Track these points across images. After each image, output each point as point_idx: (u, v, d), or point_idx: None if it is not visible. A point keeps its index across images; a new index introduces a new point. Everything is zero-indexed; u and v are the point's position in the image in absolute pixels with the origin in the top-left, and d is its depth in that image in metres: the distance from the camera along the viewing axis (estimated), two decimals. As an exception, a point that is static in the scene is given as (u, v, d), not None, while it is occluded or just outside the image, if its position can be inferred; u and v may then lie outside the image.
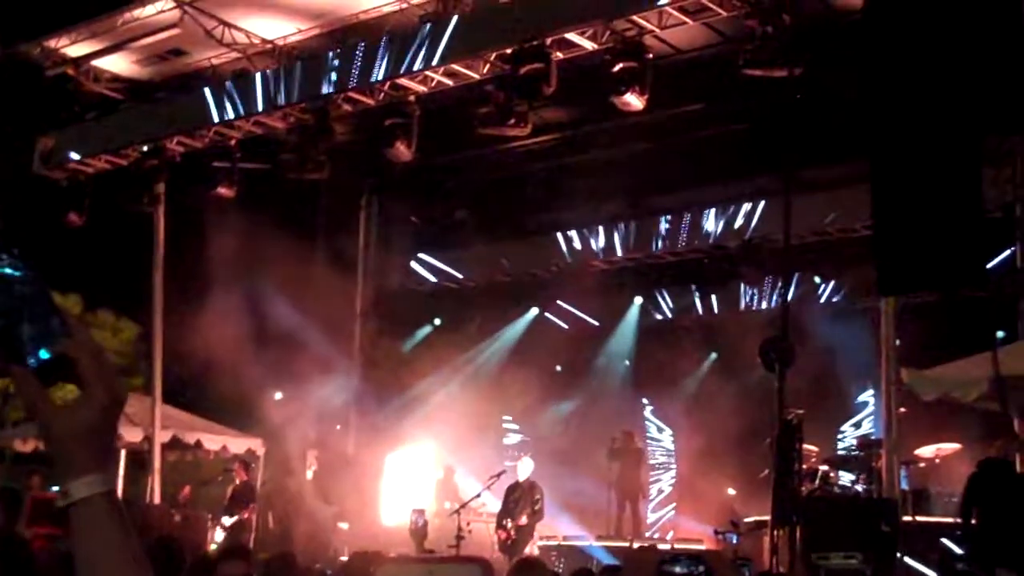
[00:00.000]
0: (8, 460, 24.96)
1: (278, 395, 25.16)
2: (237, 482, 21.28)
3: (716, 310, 23.55)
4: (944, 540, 14.21)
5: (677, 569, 3.65)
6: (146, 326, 24.88)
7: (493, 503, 18.45)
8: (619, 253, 23.56)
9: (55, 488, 2.26)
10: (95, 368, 1.89)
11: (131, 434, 22.59)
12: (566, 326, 25.20)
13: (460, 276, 25.59)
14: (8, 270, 1.85)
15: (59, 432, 1.88)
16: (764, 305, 22.37)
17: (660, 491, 23.67)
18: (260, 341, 23.31)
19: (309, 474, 22.51)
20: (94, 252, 25.18)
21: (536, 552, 18.29)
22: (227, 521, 20.67)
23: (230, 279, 23.38)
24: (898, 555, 13.90)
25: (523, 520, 17.41)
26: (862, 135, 13.29)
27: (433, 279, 25.99)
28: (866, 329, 18.36)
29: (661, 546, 17.75)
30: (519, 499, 17.66)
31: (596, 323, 25.08)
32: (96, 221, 21.93)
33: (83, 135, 21.56)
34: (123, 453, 24.30)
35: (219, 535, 20.73)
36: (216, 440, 23.68)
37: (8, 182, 21.87)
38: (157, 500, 21.79)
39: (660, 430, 24.42)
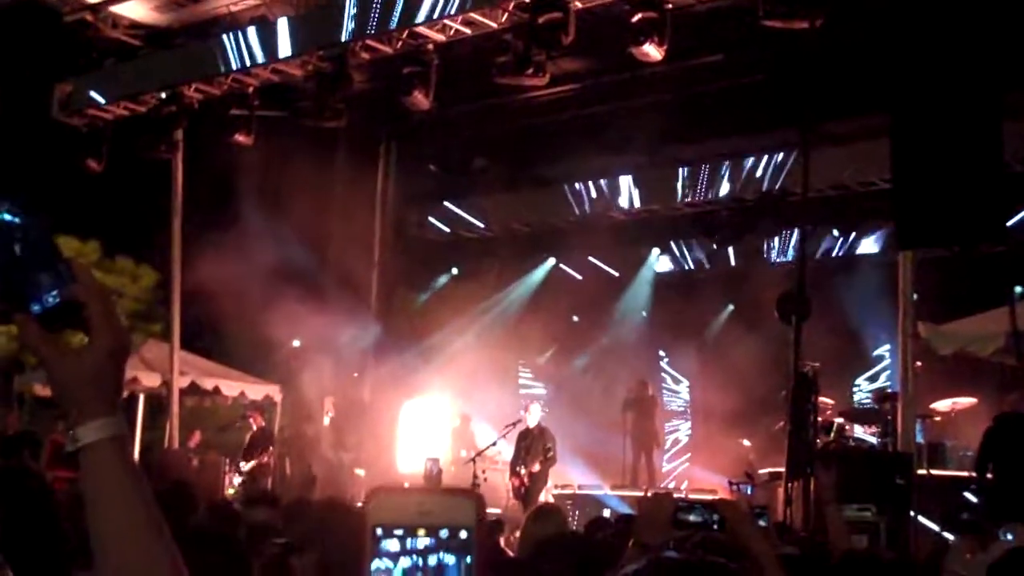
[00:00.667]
0: (29, 404, 25.16)
1: (296, 342, 25.28)
2: (254, 428, 21.45)
3: (733, 262, 23.53)
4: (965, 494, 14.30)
5: (691, 517, 3.66)
6: (164, 272, 24.96)
7: (509, 451, 18.56)
8: (637, 204, 23.55)
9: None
10: (102, 313, 1.90)
11: (149, 379, 22.75)
12: (583, 276, 25.23)
13: (478, 225, 25.61)
14: (7, 216, 1.85)
15: (65, 378, 1.89)
16: (781, 258, 22.35)
17: (676, 442, 23.76)
18: (278, 288, 23.40)
19: (326, 421, 22.67)
20: (113, 199, 25.27)
21: (551, 499, 18.43)
22: (244, 467, 20.86)
23: (248, 226, 23.44)
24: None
25: (536, 467, 17.52)
26: (882, 88, 13.25)
27: (451, 228, 26.02)
28: (883, 283, 18.33)
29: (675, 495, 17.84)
30: (530, 445, 17.77)
31: (613, 274, 25.10)
32: (114, 168, 21.97)
33: (101, 81, 21.55)
34: (141, 398, 24.51)
35: (236, 480, 20.93)
36: (234, 386, 23.83)
37: (27, 128, 21.91)
38: (175, 445, 21.95)
39: (676, 381, 24.48)
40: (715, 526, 3.67)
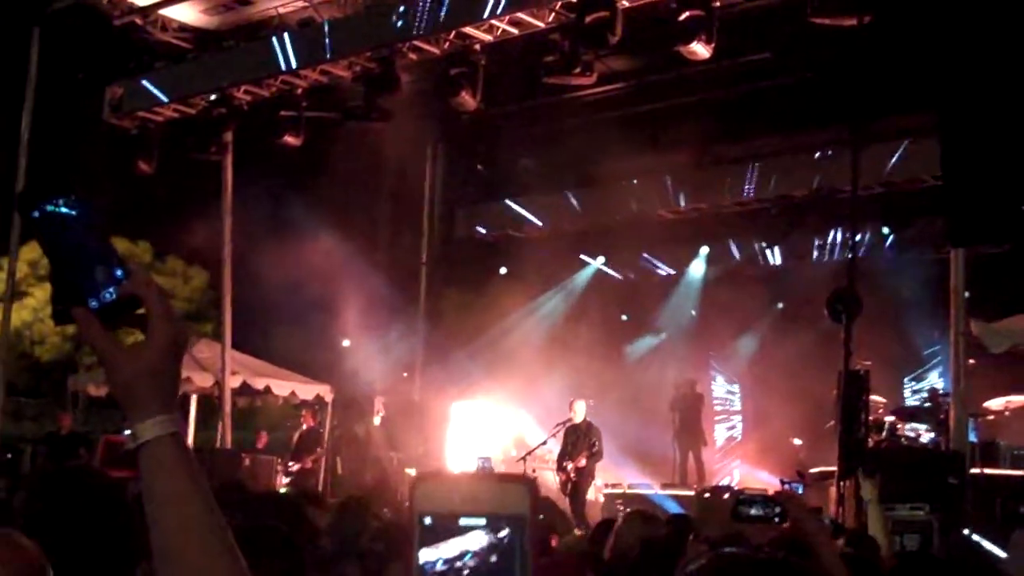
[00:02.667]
0: (83, 404, 25.39)
1: (346, 342, 25.37)
2: (304, 428, 21.53)
3: (782, 261, 23.39)
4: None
5: (752, 511, 3.61)
6: (215, 273, 25.12)
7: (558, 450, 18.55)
8: (684, 203, 23.45)
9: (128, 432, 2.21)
10: (158, 308, 1.88)
11: (201, 379, 22.88)
12: (632, 275, 25.16)
13: (526, 225, 25.58)
14: (64, 209, 1.84)
15: (124, 374, 1.87)
16: (831, 256, 22.19)
17: (727, 441, 23.65)
18: (327, 289, 23.50)
19: (376, 420, 22.73)
20: (164, 200, 25.46)
21: (600, 498, 18.41)
22: (294, 466, 20.96)
23: (297, 227, 23.54)
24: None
25: (582, 461, 17.49)
26: (931, 85, 13.17)
27: (498, 228, 26.01)
28: (935, 280, 18.18)
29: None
30: (577, 441, 17.74)
31: (661, 273, 25.03)
32: (165, 169, 22.12)
33: (151, 84, 21.71)
34: (194, 398, 24.67)
35: (285, 480, 21.04)
36: (284, 386, 23.92)
37: (79, 131, 22.11)
38: (227, 445, 22.07)
39: (725, 380, 24.37)
40: (776, 519, 3.63)
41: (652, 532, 6.72)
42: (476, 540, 1.25)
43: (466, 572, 1.25)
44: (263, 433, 23.67)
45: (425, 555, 1.26)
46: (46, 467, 17.77)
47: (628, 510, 8.51)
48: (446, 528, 1.26)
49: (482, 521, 1.26)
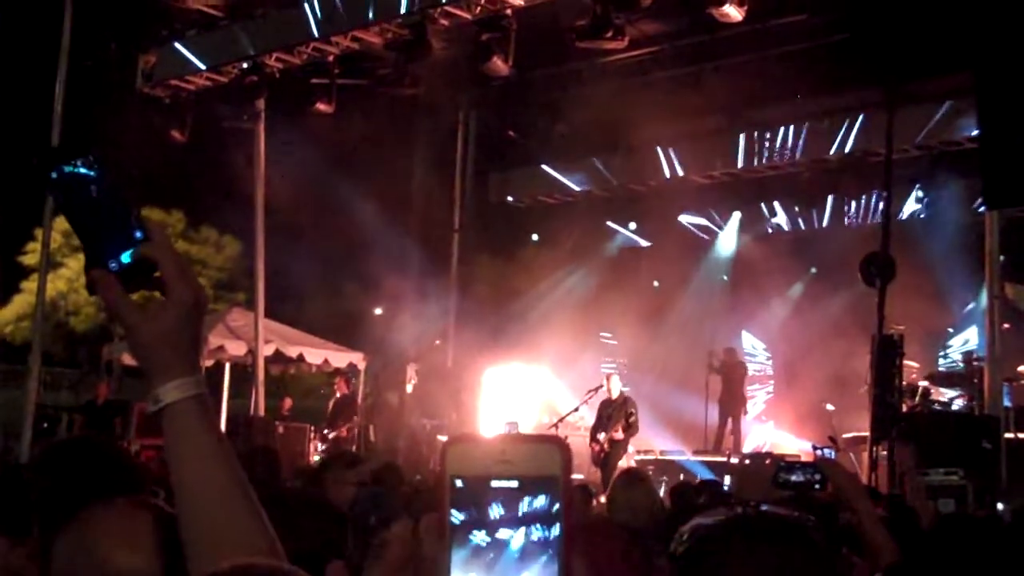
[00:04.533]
0: (117, 373, 25.55)
1: (378, 310, 25.43)
2: (338, 395, 21.62)
3: (816, 224, 23.29)
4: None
5: (793, 477, 3.61)
6: (248, 242, 25.19)
7: (590, 417, 18.56)
8: (718, 168, 23.35)
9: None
10: (176, 270, 1.86)
11: (235, 348, 22.99)
12: (664, 241, 25.09)
13: (557, 191, 25.53)
14: (83, 170, 1.81)
15: (144, 336, 1.85)
16: (864, 220, 22.07)
17: (758, 407, 23.60)
18: (360, 257, 23.54)
19: (409, 388, 22.80)
20: (197, 169, 25.54)
21: (633, 465, 18.43)
22: (331, 434, 21.06)
23: (329, 195, 23.57)
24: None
25: (618, 433, 17.48)
26: (968, 46, 13.03)
27: (531, 194, 25.98)
28: (969, 244, 18.06)
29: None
30: (612, 414, 17.73)
31: (694, 238, 24.95)
32: (198, 138, 22.17)
33: (184, 52, 21.73)
34: (227, 367, 24.80)
35: (320, 447, 21.16)
36: (318, 354, 23.99)
37: (113, 101, 22.16)
38: (261, 413, 22.19)
39: (758, 345, 24.31)
40: (817, 486, 3.63)
41: (635, 496, 6.71)
42: (510, 502, 1.24)
43: (500, 535, 1.24)
44: (287, 399, 23.74)
45: (457, 518, 1.24)
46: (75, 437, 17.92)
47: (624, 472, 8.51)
48: (478, 490, 1.24)
49: (514, 483, 1.24)
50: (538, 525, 1.24)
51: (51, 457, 3.93)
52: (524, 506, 1.24)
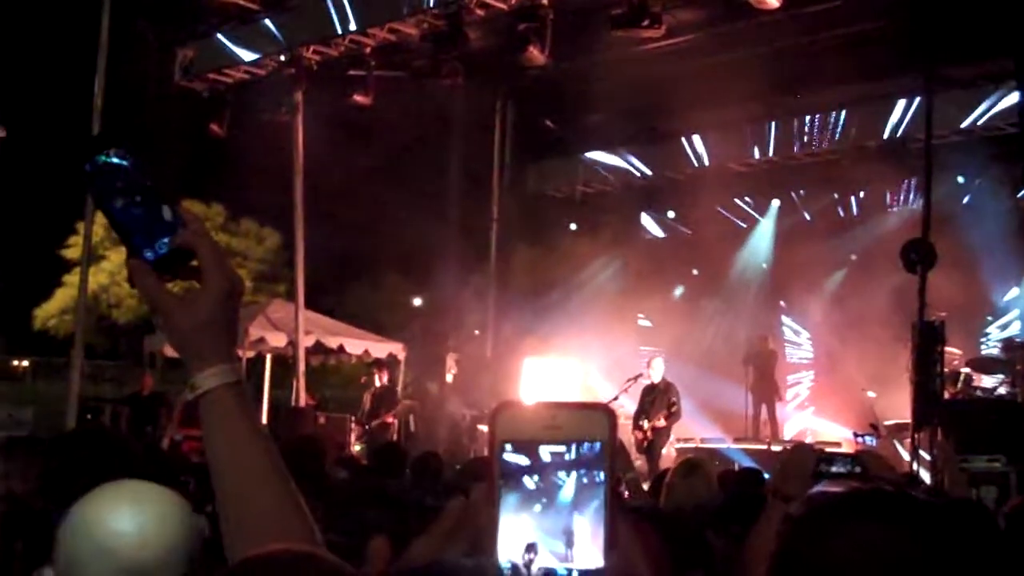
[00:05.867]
0: (159, 365, 25.75)
1: (418, 300, 25.50)
2: (378, 385, 21.71)
3: (856, 211, 23.18)
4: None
5: (834, 468, 3.62)
6: (288, 234, 25.30)
7: (630, 406, 18.55)
8: (756, 155, 23.27)
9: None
10: (212, 258, 1.87)
11: (275, 339, 23.12)
12: (702, 230, 25.04)
13: (595, 181, 25.52)
14: (116, 160, 1.83)
15: (181, 325, 1.87)
16: (904, 206, 21.94)
17: (798, 394, 23.53)
18: (399, 248, 23.62)
19: (449, 378, 22.86)
20: (236, 162, 25.67)
21: (673, 454, 18.40)
22: (370, 424, 21.14)
23: (368, 187, 23.64)
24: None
25: (660, 421, 17.47)
26: (1007, 31, 12.93)
27: (568, 184, 25.97)
28: (1011, 229, 17.93)
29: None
30: (655, 400, 17.72)
31: (733, 226, 24.88)
32: (237, 131, 22.27)
33: (221, 46, 21.84)
34: (268, 358, 24.94)
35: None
36: (358, 344, 24.09)
37: (151, 95, 22.31)
38: (302, 403, 22.28)
39: (798, 333, 24.23)
40: (858, 477, 3.64)
41: (694, 484, 6.72)
42: (557, 466, 1.27)
43: (547, 493, 1.27)
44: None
45: (505, 481, 1.27)
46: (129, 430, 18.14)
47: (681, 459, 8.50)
48: (527, 455, 1.28)
49: (562, 448, 1.27)
50: (585, 483, 1.27)
51: (61, 442, 4.01)
52: (571, 468, 1.28)
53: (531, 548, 1.26)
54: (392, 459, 9.24)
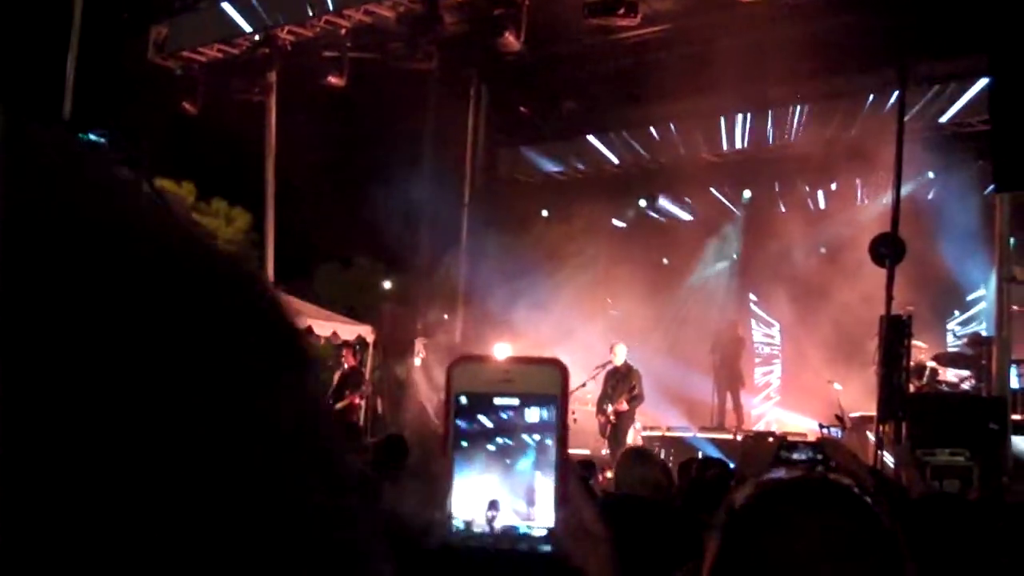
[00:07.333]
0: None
1: (387, 284, 25.45)
2: (345, 367, 21.65)
3: (826, 204, 23.28)
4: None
5: (795, 455, 3.66)
6: (258, 215, 25.21)
7: (597, 392, 18.60)
8: (727, 146, 23.33)
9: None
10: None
11: (243, 320, 22.99)
12: (674, 219, 25.09)
13: (568, 167, 25.53)
14: (93, 136, 1.85)
15: None
16: (874, 200, 22.03)
17: (766, 385, 23.64)
18: (368, 230, 23.54)
19: (417, 362, 22.84)
20: (207, 141, 25.54)
21: (639, 440, 18.47)
22: (336, 406, 21.09)
23: (339, 168, 23.56)
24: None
25: (623, 405, 17.55)
26: (981, 28, 13.01)
27: (541, 170, 25.97)
28: (979, 225, 18.05)
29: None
30: (617, 384, 17.80)
31: (704, 216, 24.94)
32: (210, 110, 22.18)
33: (196, 24, 21.74)
34: (236, 338, 24.81)
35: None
36: (326, 326, 24.00)
37: (124, 72, 22.17)
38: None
39: (766, 324, 24.32)
40: (819, 466, 3.67)
41: (648, 472, 6.70)
42: (510, 419, 1.31)
43: (500, 442, 1.31)
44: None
45: (459, 434, 1.31)
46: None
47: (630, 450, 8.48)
48: (481, 406, 1.31)
49: (515, 401, 1.31)
50: (536, 434, 1.30)
51: None
52: (524, 418, 1.30)
53: (493, 505, 1.29)
54: (397, 452, 9.19)
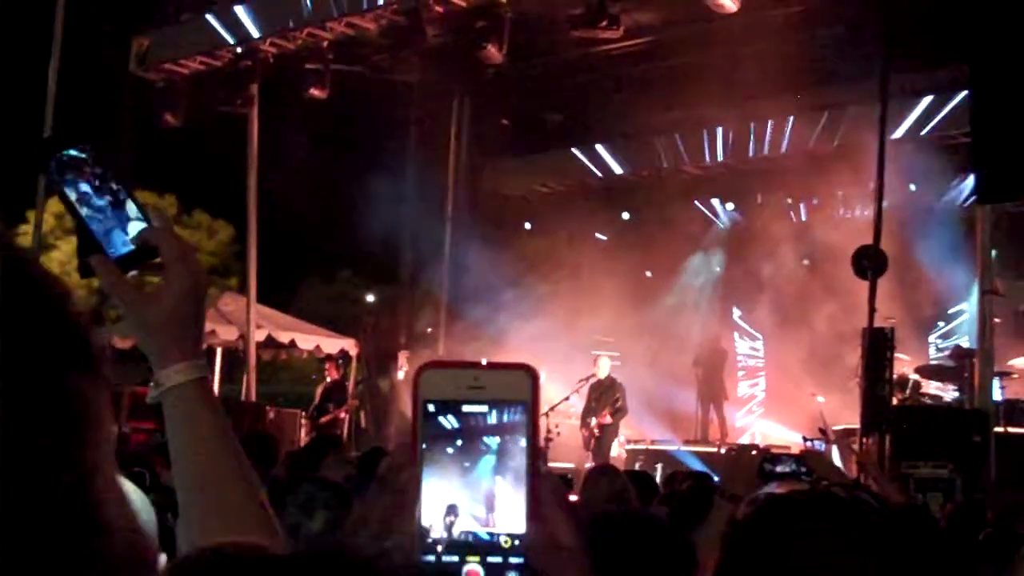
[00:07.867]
0: (109, 356, 25.50)
1: (370, 297, 25.40)
2: (328, 380, 21.61)
3: (806, 217, 23.30)
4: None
5: (779, 468, 3.62)
6: (241, 227, 25.16)
7: (581, 406, 18.58)
8: (710, 159, 23.34)
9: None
10: (176, 253, 1.85)
11: (226, 333, 22.96)
12: (657, 231, 25.09)
13: (551, 180, 25.51)
14: (74, 152, 1.82)
15: (145, 321, 1.85)
16: (857, 212, 22.05)
17: (750, 398, 23.64)
18: (352, 243, 23.52)
19: (400, 375, 22.80)
20: (189, 153, 25.51)
21: (623, 453, 18.46)
22: (319, 419, 21.04)
23: (322, 181, 23.53)
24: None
25: (607, 418, 17.55)
26: (962, 39, 13.03)
27: (524, 184, 25.95)
28: (961, 237, 18.09)
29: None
30: (600, 397, 17.82)
31: (687, 229, 24.93)
32: (191, 122, 22.13)
33: (177, 36, 21.70)
34: (219, 352, 24.78)
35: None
36: (309, 340, 23.99)
37: (106, 84, 22.14)
38: (252, 398, 22.16)
39: (750, 337, 24.33)
40: (802, 477, 3.65)
41: (616, 487, 6.70)
42: (479, 426, 1.28)
43: (468, 452, 1.28)
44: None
45: (427, 442, 1.28)
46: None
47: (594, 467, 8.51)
48: (449, 414, 1.28)
49: (484, 408, 1.28)
50: (506, 440, 1.28)
51: None
52: (493, 427, 1.28)
53: (452, 510, 1.26)
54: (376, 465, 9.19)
